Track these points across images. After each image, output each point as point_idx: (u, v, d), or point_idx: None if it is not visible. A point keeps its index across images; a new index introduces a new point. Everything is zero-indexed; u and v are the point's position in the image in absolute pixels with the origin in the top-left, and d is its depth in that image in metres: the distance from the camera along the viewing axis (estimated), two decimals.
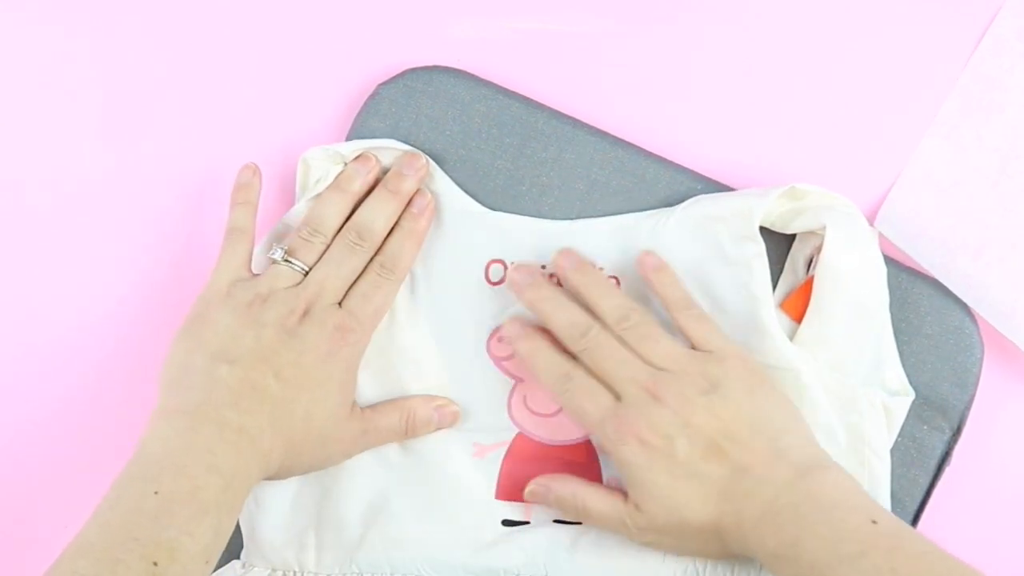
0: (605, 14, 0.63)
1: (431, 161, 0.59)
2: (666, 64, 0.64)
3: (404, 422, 0.56)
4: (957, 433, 0.60)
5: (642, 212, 0.58)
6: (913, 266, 0.61)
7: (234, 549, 0.59)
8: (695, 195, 0.60)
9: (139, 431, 0.52)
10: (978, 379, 0.60)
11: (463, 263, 0.57)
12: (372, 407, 0.56)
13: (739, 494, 0.49)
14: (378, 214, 0.56)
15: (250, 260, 0.57)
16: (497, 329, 0.57)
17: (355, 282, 0.56)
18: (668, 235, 0.57)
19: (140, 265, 0.64)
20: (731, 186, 0.61)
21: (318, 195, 0.58)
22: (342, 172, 0.58)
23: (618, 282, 0.57)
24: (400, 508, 0.56)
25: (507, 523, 0.56)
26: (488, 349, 0.58)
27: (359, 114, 0.61)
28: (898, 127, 0.63)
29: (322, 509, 0.56)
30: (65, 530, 0.63)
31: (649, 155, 0.61)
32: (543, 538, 0.55)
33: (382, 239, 0.56)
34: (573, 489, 0.54)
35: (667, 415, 0.50)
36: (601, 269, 0.57)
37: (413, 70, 0.61)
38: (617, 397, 0.52)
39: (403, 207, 0.57)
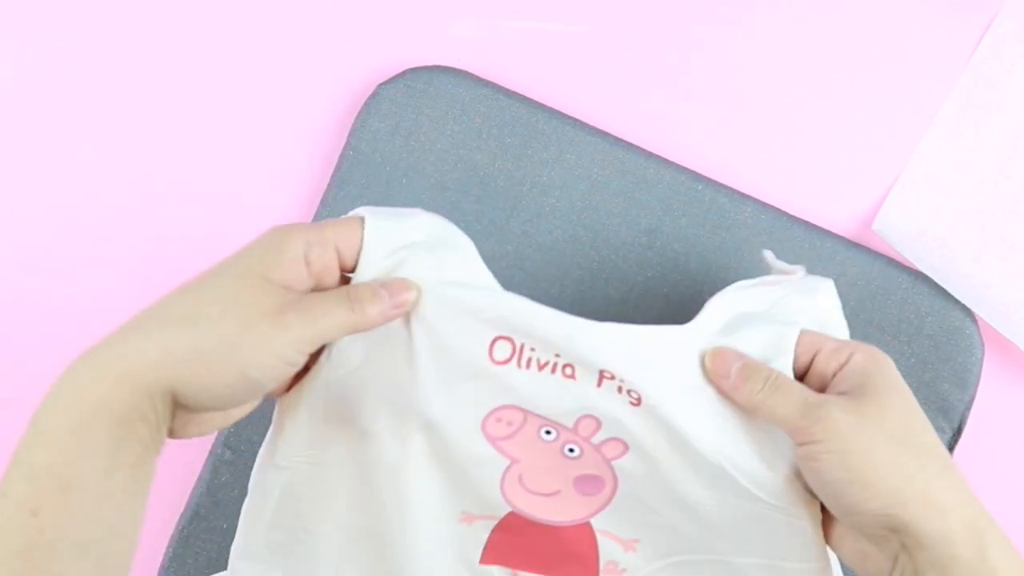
0: (606, 14, 0.63)
1: (451, 224, 0.52)
2: (667, 64, 0.64)
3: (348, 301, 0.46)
4: (957, 433, 0.60)
5: (667, 326, 0.51)
6: (914, 266, 0.61)
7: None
8: (696, 196, 0.60)
9: None
10: (978, 379, 0.60)
11: (468, 336, 0.50)
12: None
13: None
14: None
15: None
16: (496, 409, 0.50)
17: None
18: (691, 355, 0.51)
19: (137, 269, 0.64)
20: (731, 186, 0.61)
21: None
22: None
23: (639, 400, 0.49)
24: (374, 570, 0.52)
25: None
26: (483, 428, 0.51)
27: (359, 114, 0.61)
28: (898, 127, 0.63)
29: (296, 558, 0.52)
30: None
31: (650, 155, 0.61)
32: None
33: None
34: (770, 372, 0.48)
35: None
36: (611, 377, 0.49)
37: (413, 70, 0.61)
38: None
39: None
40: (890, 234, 0.62)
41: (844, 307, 0.55)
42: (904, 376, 0.59)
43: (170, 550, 0.60)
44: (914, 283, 0.60)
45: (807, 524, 0.49)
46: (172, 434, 0.43)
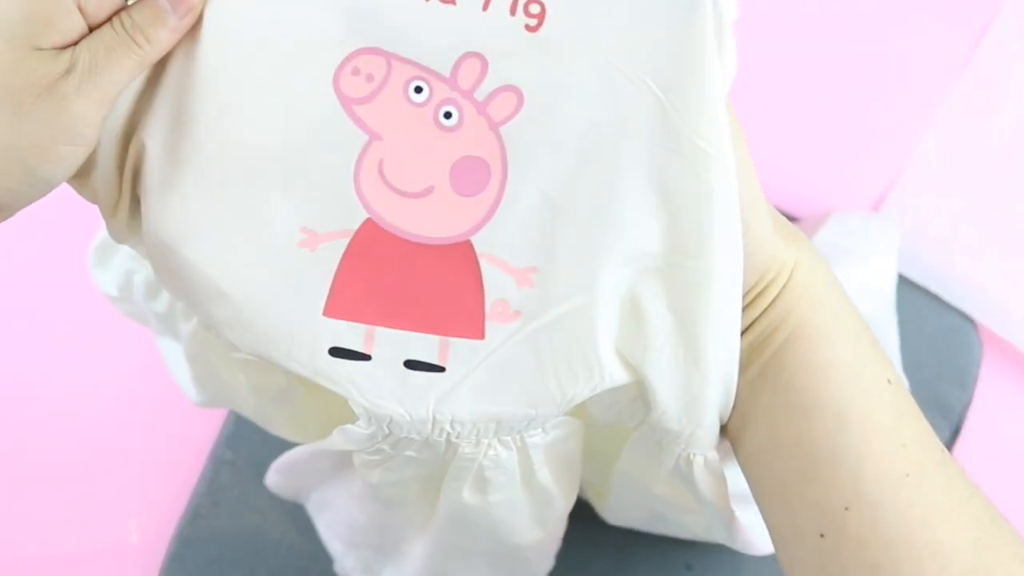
0: None
1: None
2: None
3: None
4: (956, 433, 0.60)
5: None
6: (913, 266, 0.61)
7: None
8: None
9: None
10: (977, 379, 0.60)
11: None
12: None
13: None
14: None
15: None
16: (354, 55, 0.37)
17: None
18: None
19: None
20: None
21: None
22: None
23: (540, 16, 0.37)
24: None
25: (336, 352, 0.38)
26: (336, 84, 0.37)
27: None
28: (898, 127, 0.63)
29: None
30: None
31: None
32: (389, 384, 0.38)
33: None
34: None
35: None
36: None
37: None
38: None
39: None
40: None
41: None
42: (903, 376, 0.59)
43: (170, 550, 0.60)
44: (912, 283, 0.60)
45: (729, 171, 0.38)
46: None
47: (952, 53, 0.63)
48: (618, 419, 0.42)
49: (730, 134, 0.37)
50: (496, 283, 0.38)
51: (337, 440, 0.40)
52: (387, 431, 0.39)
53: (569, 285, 0.38)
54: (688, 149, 0.37)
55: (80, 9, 0.34)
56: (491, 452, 0.40)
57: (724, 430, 0.40)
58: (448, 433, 0.39)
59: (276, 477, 0.51)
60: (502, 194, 0.37)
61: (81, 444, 0.64)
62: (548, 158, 0.37)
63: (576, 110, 0.37)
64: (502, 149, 0.37)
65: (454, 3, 0.36)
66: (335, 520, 0.52)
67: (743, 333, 0.38)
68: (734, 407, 0.39)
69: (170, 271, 0.39)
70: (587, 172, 0.37)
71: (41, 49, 0.34)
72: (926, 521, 0.35)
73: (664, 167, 0.37)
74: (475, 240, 0.38)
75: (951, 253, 0.61)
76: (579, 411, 0.42)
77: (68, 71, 0.34)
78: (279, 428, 0.52)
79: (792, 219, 0.61)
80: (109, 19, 0.35)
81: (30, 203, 0.37)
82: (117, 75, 0.35)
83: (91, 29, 0.35)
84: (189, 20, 0.36)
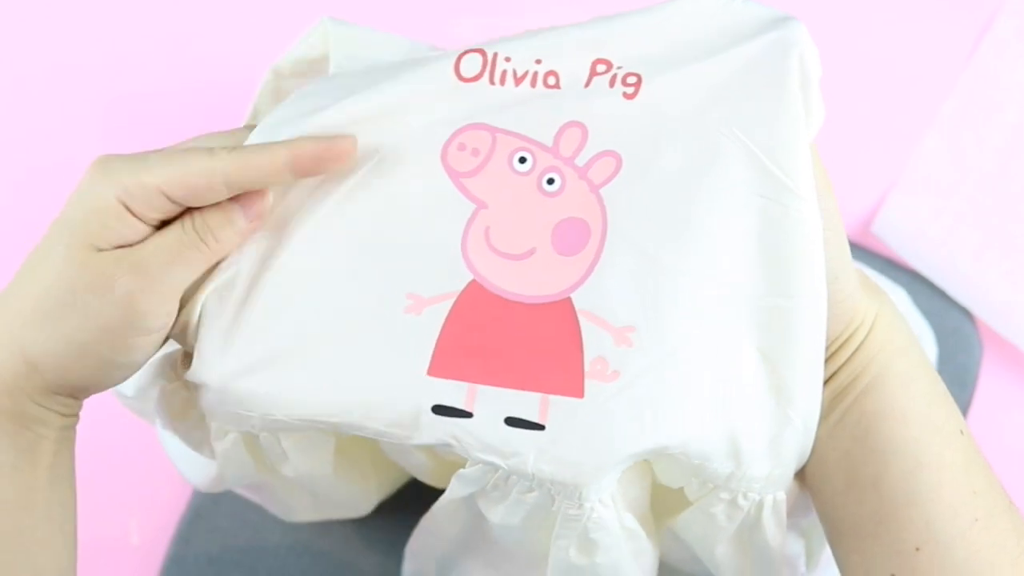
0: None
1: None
2: None
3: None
4: None
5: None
6: (912, 267, 0.61)
7: None
8: None
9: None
10: (977, 379, 0.60)
11: (427, 59, 0.41)
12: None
13: None
14: None
15: None
16: (460, 132, 0.40)
17: None
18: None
19: None
20: None
21: None
22: None
23: (638, 84, 0.40)
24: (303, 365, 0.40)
25: (439, 410, 0.39)
26: (444, 158, 0.40)
27: None
28: (898, 127, 0.63)
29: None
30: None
31: None
32: (491, 441, 0.39)
33: None
34: None
35: None
36: (605, 71, 0.40)
37: None
38: None
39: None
40: (889, 236, 0.62)
41: None
42: None
43: (170, 550, 0.60)
44: (913, 284, 0.60)
45: (817, 216, 0.38)
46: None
47: (952, 53, 0.63)
48: (685, 484, 0.42)
49: (816, 182, 0.39)
50: (595, 341, 0.39)
51: (456, 487, 0.42)
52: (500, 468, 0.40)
53: (667, 341, 0.38)
54: (782, 195, 0.38)
55: (136, 216, 0.36)
56: (594, 515, 0.40)
57: (802, 475, 0.41)
58: (550, 490, 0.39)
59: (411, 564, 0.52)
60: (600, 252, 0.39)
61: (81, 444, 0.64)
62: (646, 216, 0.39)
63: (672, 168, 0.39)
64: (603, 210, 0.39)
65: (559, 87, 0.40)
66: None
67: (828, 381, 0.40)
68: (815, 451, 0.40)
69: (240, 398, 0.40)
70: (684, 226, 0.38)
71: (102, 250, 0.35)
72: (994, 564, 0.37)
73: (758, 212, 0.38)
74: (575, 297, 0.39)
75: (952, 253, 0.61)
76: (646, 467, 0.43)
77: (131, 271, 0.35)
78: (300, 513, 0.53)
79: None
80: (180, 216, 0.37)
81: (117, 383, 0.39)
82: (183, 273, 0.37)
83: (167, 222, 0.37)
84: (256, 225, 0.38)
